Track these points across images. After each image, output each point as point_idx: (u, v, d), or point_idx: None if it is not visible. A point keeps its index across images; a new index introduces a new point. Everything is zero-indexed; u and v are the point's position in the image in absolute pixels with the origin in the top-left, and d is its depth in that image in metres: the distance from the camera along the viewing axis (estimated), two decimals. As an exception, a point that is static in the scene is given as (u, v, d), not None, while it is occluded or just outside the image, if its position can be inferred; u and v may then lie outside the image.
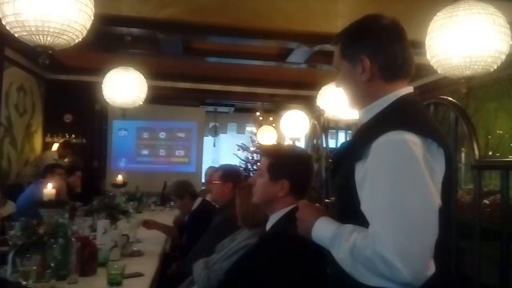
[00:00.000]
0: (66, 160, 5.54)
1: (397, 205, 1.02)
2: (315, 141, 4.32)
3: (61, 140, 5.99)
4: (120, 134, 7.57)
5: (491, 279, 2.07)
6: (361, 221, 1.07)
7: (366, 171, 1.09)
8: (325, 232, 1.16)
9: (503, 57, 2.16)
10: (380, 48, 1.20)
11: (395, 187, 1.03)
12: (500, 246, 1.96)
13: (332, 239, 1.13)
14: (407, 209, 1.01)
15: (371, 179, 1.08)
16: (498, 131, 4.41)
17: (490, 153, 4.39)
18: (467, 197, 3.46)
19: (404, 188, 1.03)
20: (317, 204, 1.38)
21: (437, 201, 1.06)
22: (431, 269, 1.01)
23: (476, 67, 2.15)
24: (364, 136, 1.17)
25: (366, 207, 1.08)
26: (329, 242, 1.14)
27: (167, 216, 4.60)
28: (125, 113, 3.82)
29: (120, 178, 5.21)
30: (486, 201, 3.11)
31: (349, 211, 1.14)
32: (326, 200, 3.16)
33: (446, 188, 1.12)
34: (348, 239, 1.07)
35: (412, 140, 1.06)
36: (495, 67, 2.19)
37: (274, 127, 6.88)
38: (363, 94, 1.24)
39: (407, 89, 1.22)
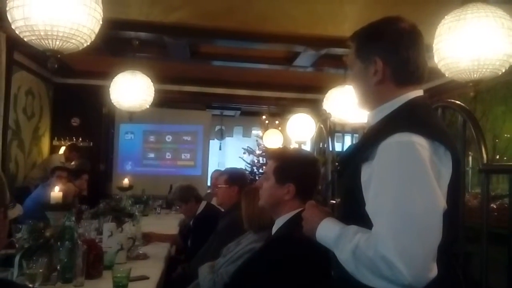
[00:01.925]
0: (73, 163, 5.57)
1: (401, 206, 1.01)
2: (321, 144, 4.32)
3: (68, 143, 6.02)
4: (126, 137, 7.60)
5: (498, 283, 2.05)
6: (366, 222, 1.07)
7: (372, 172, 1.09)
8: (329, 232, 1.16)
9: (511, 60, 2.15)
10: (395, 51, 1.20)
11: (400, 188, 1.03)
12: (508, 250, 1.94)
13: (336, 240, 1.13)
14: (411, 210, 1.01)
15: (376, 180, 1.08)
16: (505, 135, 4.38)
17: (498, 156, 4.36)
18: (474, 201, 3.44)
19: (409, 189, 1.03)
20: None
21: (442, 204, 1.05)
22: (433, 271, 1.00)
23: (484, 70, 2.14)
24: (371, 138, 1.17)
25: (370, 207, 1.08)
26: (333, 243, 1.14)
27: (173, 220, 4.61)
28: (132, 117, 3.84)
29: (126, 181, 5.22)
30: (493, 205, 3.08)
31: (354, 212, 1.14)
32: (332, 201, 3.15)
33: (452, 192, 1.11)
34: (352, 240, 1.07)
35: (419, 142, 1.06)
36: (503, 71, 2.18)
37: (280, 130, 6.87)
38: (372, 95, 1.25)
39: (417, 92, 1.22)
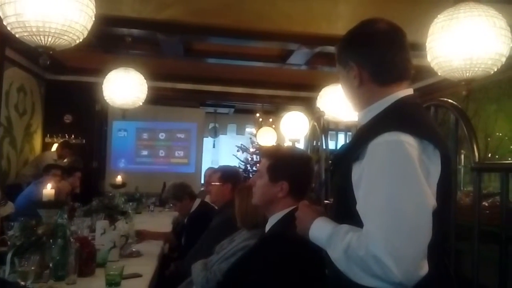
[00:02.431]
0: (65, 160, 5.53)
1: (391, 205, 1.02)
2: (315, 142, 4.32)
3: (61, 141, 5.98)
4: (119, 134, 7.56)
5: (489, 281, 2.07)
6: (358, 221, 1.08)
7: (362, 171, 1.10)
8: (322, 232, 1.17)
9: (504, 59, 2.17)
10: (367, 55, 1.22)
11: (389, 187, 1.04)
12: (499, 248, 1.96)
13: (328, 239, 1.14)
14: (401, 209, 1.02)
15: (366, 179, 1.09)
16: (497, 134, 4.41)
17: (490, 155, 4.39)
18: (466, 199, 3.46)
19: (398, 188, 1.03)
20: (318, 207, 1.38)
21: (431, 202, 1.06)
22: (424, 269, 1.01)
23: (476, 69, 2.16)
24: (361, 137, 1.18)
25: (360, 206, 1.09)
26: (326, 242, 1.14)
27: (166, 217, 4.60)
28: (125, 114, 3.82)
29: (119, 178, 5.20)
30: (485, 203, 3.10)
31: (346, 212, 1.15)
32: (325, 201, 3.16)
33: (442, 190, 1.12)
34: (343, 239, 1.08)
35: (408, 141, 1.07)
36: (495, 70, 2.20)
37: (274, 128, 6.88)
38: (358, 98, 1.27)
39: (406, 91, 1.23)
